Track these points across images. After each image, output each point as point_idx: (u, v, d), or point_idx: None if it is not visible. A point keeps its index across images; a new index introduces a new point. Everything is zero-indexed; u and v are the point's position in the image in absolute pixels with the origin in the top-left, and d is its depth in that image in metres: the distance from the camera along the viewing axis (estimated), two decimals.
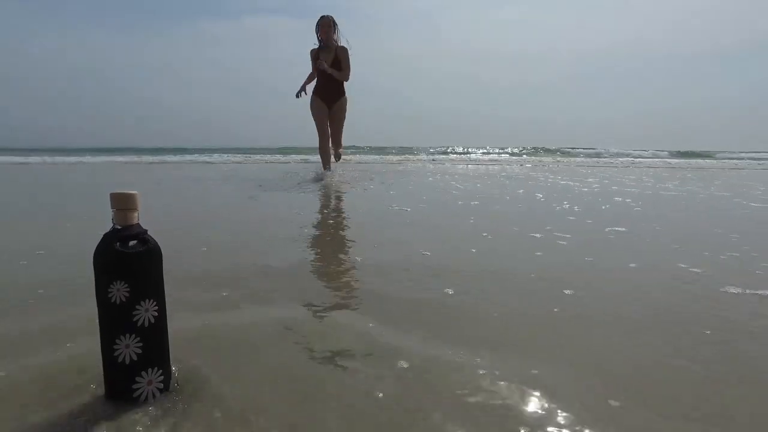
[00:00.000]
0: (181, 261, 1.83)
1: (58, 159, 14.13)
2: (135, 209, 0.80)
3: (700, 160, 16.03)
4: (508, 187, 5.19)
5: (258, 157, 15.43)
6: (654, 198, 4.33)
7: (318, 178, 6.00)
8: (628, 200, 4.08)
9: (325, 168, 6.18)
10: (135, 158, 14.17)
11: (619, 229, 2.59)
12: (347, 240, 2.49)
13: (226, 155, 15.85)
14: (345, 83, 5.98)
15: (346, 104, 6.03)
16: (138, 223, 0.80)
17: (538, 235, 2.38)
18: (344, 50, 5.86)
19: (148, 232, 0.82)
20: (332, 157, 6.22)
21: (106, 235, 0.78)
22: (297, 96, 5.87)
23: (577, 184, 5.79)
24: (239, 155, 16.21)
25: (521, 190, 4.83)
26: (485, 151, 21.76)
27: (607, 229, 2.59)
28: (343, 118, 6.06)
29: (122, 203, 0.79)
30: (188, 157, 15.37)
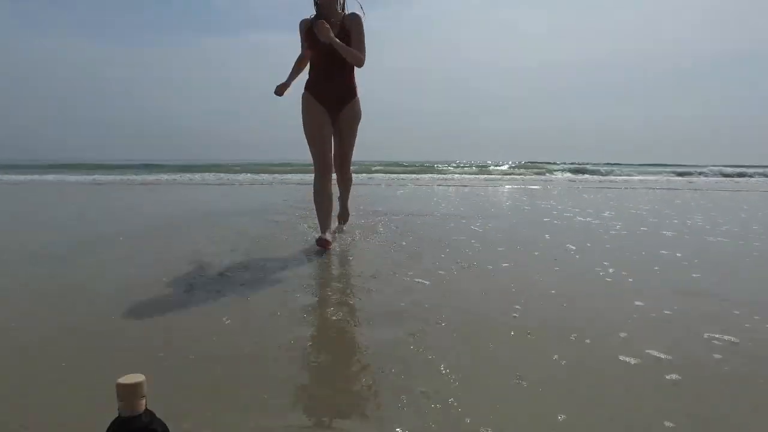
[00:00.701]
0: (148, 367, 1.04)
1: (30, 178, 13.26)
2: (142, 396, 0.68)
3: (696, 179, 15.44)
4: (530, 231, 4.42)
5: (256, 176, 14.66)
6: (704, 249, 3.55)
7: (311, 243, 3.43)
8: (677, 255, 3.29)
9: (323, 232, 3.27)
10: (119, 177, 13.32)
11: (729, 338, 1.78)
12: (355, 326, 1.73)
13: (220, 175, 15.04)
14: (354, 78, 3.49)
15: (359, 108, 3.53)
16: (146, 409, 0.69)
17: (631, 362, 1.56)
18: (355, 19, 3.27)
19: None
20: (336, 219, 3.98)
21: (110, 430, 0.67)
22: (277, 93, 3.28)
23: (597, 221, 5.05)
24: (233, 174, 15.46)
25: (547, 236, 4.03)
26: (491, 165, 21.41)
27: (706, 336, 1.79)
28: (356, 129, 3.59)
29: (129, 394, 0.67)
30: (179, 177, 14.57)
